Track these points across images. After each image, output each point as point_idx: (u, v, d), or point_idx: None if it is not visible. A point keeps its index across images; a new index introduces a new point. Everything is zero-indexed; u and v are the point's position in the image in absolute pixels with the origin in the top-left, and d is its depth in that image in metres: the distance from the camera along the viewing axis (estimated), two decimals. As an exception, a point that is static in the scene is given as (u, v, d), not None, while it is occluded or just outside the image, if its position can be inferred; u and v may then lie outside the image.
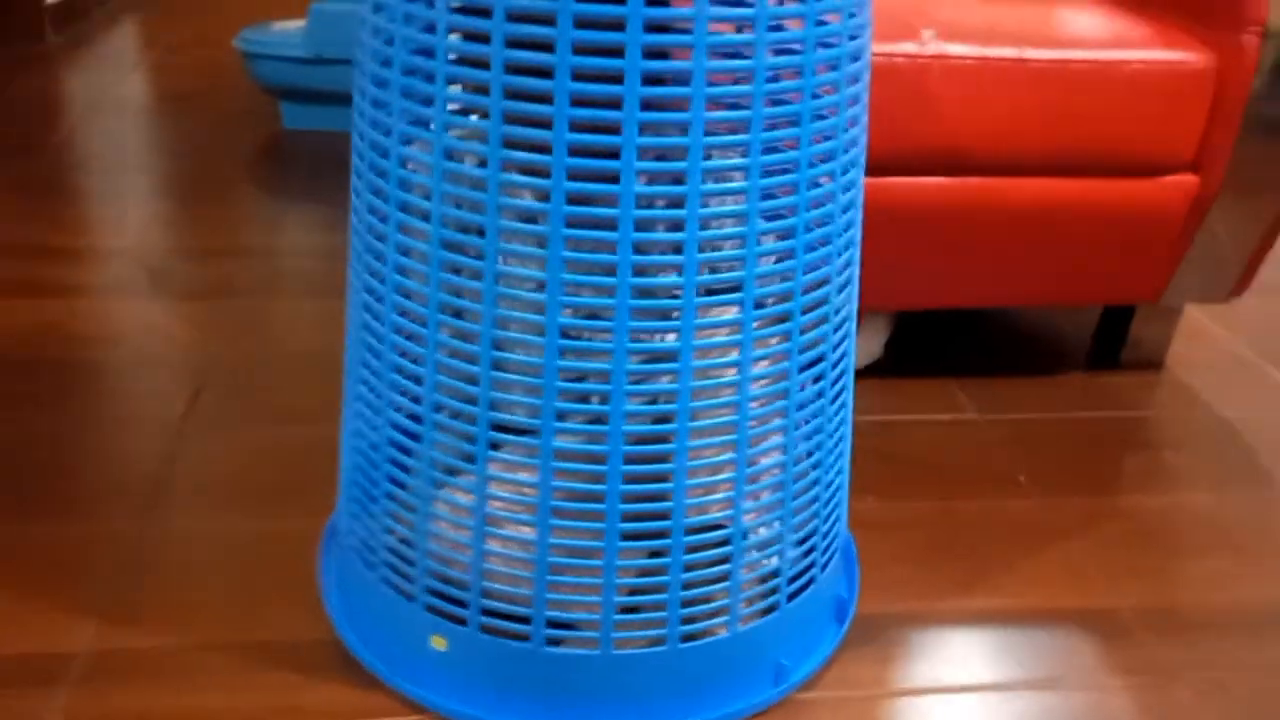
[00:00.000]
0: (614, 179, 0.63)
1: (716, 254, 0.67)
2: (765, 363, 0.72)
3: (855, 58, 0.70)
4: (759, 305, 0.71)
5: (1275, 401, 1.30)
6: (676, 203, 0.66)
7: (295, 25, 2.01)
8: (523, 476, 0.72)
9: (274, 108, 2.10)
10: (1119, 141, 1.11)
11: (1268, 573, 1.01)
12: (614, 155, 0.63)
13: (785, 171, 0.68)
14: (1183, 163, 1.14)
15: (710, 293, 0.69)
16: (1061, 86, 1.08)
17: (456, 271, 0.70)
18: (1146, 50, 1.09)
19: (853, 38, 0.69)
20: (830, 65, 0.68)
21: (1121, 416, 1.25)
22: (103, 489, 1.02)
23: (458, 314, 0.70)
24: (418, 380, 0.73)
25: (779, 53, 0.65)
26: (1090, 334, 1.40)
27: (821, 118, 0.68)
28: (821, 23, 0.66)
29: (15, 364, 1.22)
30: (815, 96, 0.67)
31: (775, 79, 0.66)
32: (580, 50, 0.60)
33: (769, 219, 0.69)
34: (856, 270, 0.79)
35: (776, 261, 0.70)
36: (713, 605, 0.77)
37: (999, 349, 1.39)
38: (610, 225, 0.64)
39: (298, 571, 0.93)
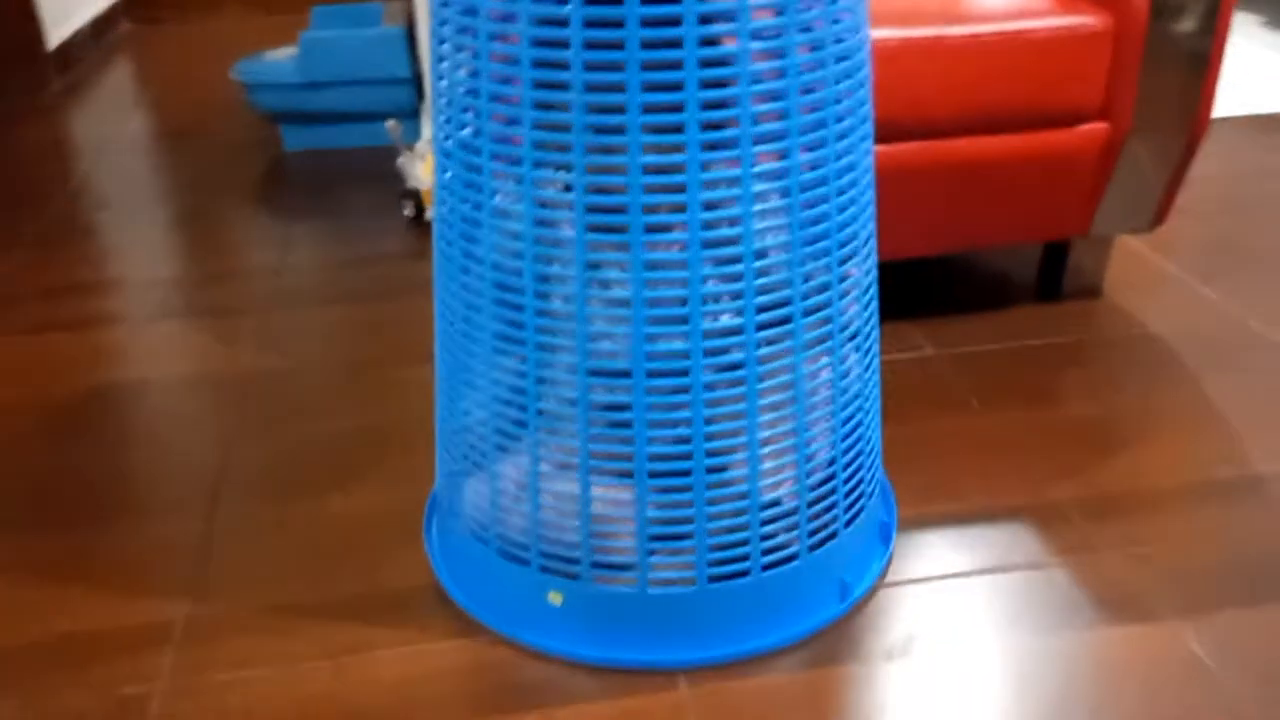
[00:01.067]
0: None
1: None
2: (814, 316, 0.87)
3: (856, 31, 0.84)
4: (808, 243, 0.84)
5: (1200, 313, 1.46)
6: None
7: (286, 53, 2.15)
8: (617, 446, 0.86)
9: (274, 133, 2.25)
10: (1033, 99, 1.26)
11: (1186, 459, 1.17)
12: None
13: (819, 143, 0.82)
14: (1092, 112, 1.30)
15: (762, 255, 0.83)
16: (977, 58, 1.23)
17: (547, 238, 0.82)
18: (1049, 19, 1.24)
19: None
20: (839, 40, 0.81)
21: (1063, 341, 1.41)
22: (166, 495, 1.18)
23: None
24: (521, 360, 0.85)
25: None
26: (1035, 271, 1.55)
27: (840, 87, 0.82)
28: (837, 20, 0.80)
29: (69, 394, 1.37)
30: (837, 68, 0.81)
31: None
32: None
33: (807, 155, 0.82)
34: (874, 233, 0.93)
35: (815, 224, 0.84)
36: (786, 536, 0.91)
37: (953, 292, 1.54)
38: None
39: (361, 539, 1.09)
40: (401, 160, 1.83)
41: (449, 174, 0.87)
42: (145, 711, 0.89)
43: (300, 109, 2.14)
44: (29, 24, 2.69)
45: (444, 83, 0.84)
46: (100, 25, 3.16)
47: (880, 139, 1.25)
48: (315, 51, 2.07)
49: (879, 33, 1.20)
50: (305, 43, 2.07)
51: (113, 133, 2.41)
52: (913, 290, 1.54)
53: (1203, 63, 1.26)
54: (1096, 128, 1.30)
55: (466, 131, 0.84)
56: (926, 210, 1.33)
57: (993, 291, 1.54)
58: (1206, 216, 1.74)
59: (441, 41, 0.84)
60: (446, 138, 0.86)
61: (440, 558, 1.03)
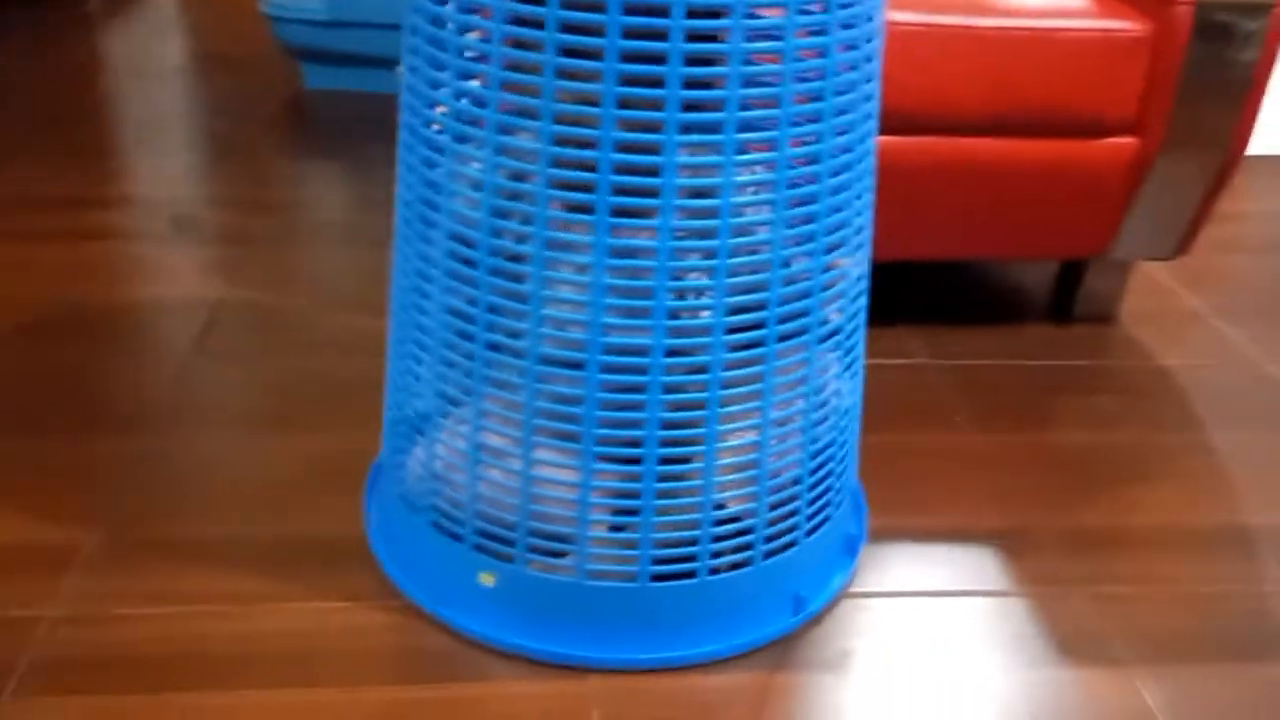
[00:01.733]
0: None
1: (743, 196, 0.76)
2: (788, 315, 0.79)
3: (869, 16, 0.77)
4: (791, 225, 0.77)
5: (1217, 352, 1.38)
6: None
7: (317, -10, 2.11)
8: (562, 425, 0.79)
9: (297, 69, 2.21)
10: (1060, 105, 1.18)
11: (1174, 503, 1.10)
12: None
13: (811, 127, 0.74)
14: (1122, 125, 1.22)
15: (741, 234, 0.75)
16: (1005, 53, 1.16)
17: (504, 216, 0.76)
18: (1085, 19, 1.16)
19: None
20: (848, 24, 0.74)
21: (1067, 365, 1.34)
22: (122, 412, 1.14)
23: (513, 257, 0.76)
24: (469, 321, 0.79)
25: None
26: (1050, 288, 1.48)
27: (841, 75, 0.75)
28: None
29: (51, 302, 1.34)
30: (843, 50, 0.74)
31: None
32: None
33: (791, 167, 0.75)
34: (870, 226, 0.86)
35: (796, 205, 0.76)
36: (737, 540, 0.84)
37: (961, 302, 1.47)
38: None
39: (317, 482, 1.04)
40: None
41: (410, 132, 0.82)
42: (30, 636, 0.85)
43: (324, 47, 2.10)
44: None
45: (415, 39, 0.79)
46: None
47: (890, 130, 1.18)
48: (344, -10, 2.03)
49: (901, 16, 1.13)
50: (335, -20, 2.03)
51: (142, 53, 2.38)
52: (915, 294, 1.47)
53: (1246, 83, 1.18)
54: (1125, 142, 1.23)
55: (439, 92, 0.77)
56: (933, 210, 1.26)
57: (1002, 305, 1.47)
58: (1244, 254, 1.66)
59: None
60: (411, 93, 0.80)
61: (376, 518, 0.98)
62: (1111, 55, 1.17)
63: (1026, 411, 1.23)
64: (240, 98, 2.13)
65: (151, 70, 2.28)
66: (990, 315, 1.44)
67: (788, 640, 0.89)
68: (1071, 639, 0.92)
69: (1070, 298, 1.42)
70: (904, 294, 1.47)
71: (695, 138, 0.71)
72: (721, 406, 0.79)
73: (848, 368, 0.89)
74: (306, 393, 1.19)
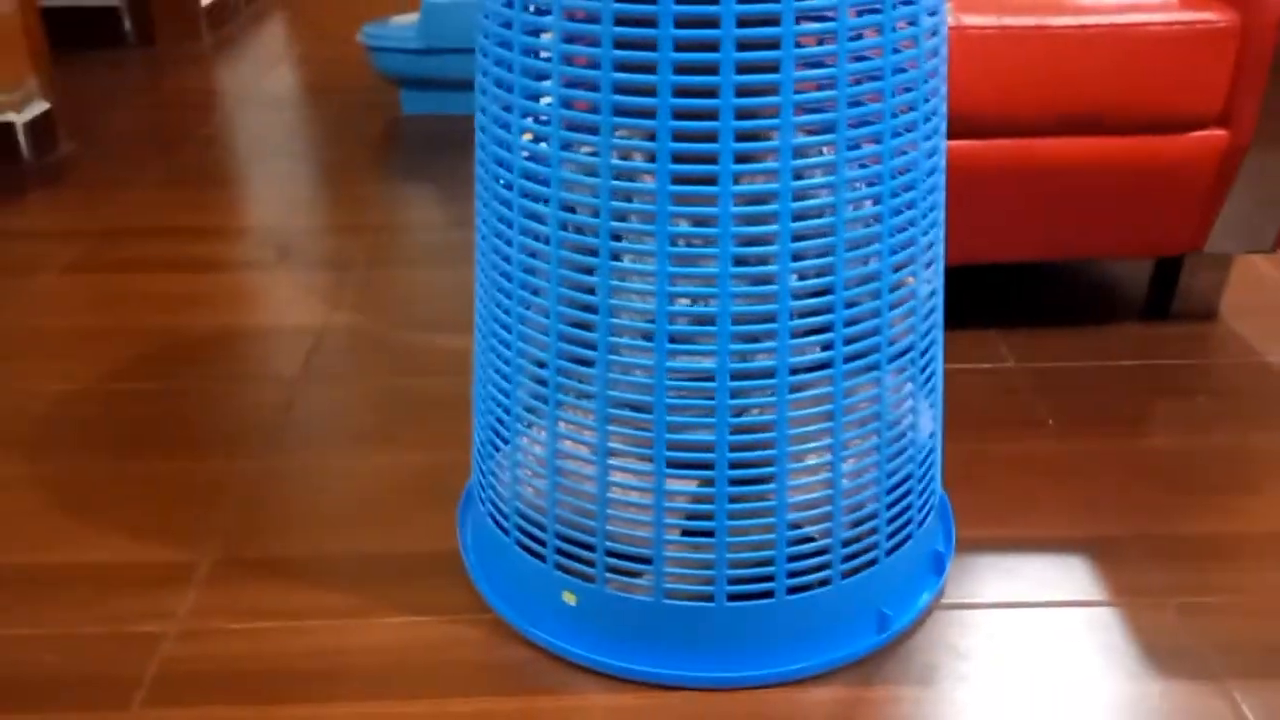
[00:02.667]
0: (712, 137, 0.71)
1: (808, 219, 0.75)
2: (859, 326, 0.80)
3: (932, 13, 0.76)
4: (852, 246, 0.77)
5: (1325, 348, 1.33)
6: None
7: (410, 19, 2.18)
8: (639, 446, 0.81)
9: (394, 95, 2.29)
10: (1143, 101, 1.16)
11: (1271, 509, 1.06)
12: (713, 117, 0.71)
13: (872, 130, 0.74)
14: (1211, 118, 1.18)
15: (801, 239, 0.75)
16: (1082, 52, 1.14)
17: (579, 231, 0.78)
18: (1165, 13, 1.13)
19: None
20: (909, 20, 0.74)
21: (1162, 364, 1.30)
22: (227, 434, 1.21)
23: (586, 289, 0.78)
24: (542, 348, 0.82)
25: (861, 13, 0.71)
26: (1145, 287, 1.44)
27: (902, 71, 0.74)
28: None
29: (167, 329, 1.42)
30: (896, 51, 0.73)
31: (858, 36, 0.71)
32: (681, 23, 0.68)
33: (853, 151, 0.75)
34: (942, 231, 0.86)
35: (865, 226, 0.77)
36: (817, 559, 0.85)
37: (1049, 302, 1.45)
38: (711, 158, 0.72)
39: (415, 498, 1.09)
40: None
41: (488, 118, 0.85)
42: (155, 651, 0.91)
43: (419, 74, 2.17)
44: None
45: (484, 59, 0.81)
46: (256, -16, 3.29)
47: (968, 135, 1.18)
48: (435, 18, 2.09)
49: (970, 19, 1.12)
50: (426, 9, 2.10)
51: (251, 86, 2.50)
52: (1001, 296, 1.45)
53: (1343, 71, 1.13)
54: (1214, 135, 1.19)
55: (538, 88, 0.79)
56: (1016, 213, 1.24)
57: (1093, 305, 1.44)
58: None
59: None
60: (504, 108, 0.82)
61: (470, 535, 1.02)
62: (1196, 48, 1.14)
63: (1118, 415, 1.21)
64: (341, 125, 2.22)
65: (259, 101, 2.39)
66: (1081, 315, 1.41)
67: (873, 657, 0.90)
68: (1165, 651, 0.90)
69: (1166, 294, 1.38)
70: (988, 296, 1.45)
71: (753, 145, 0.72)
72: (792, 428, 0.80)
73: (926, 392, 0.89)
74: (406, 412, 1.24)
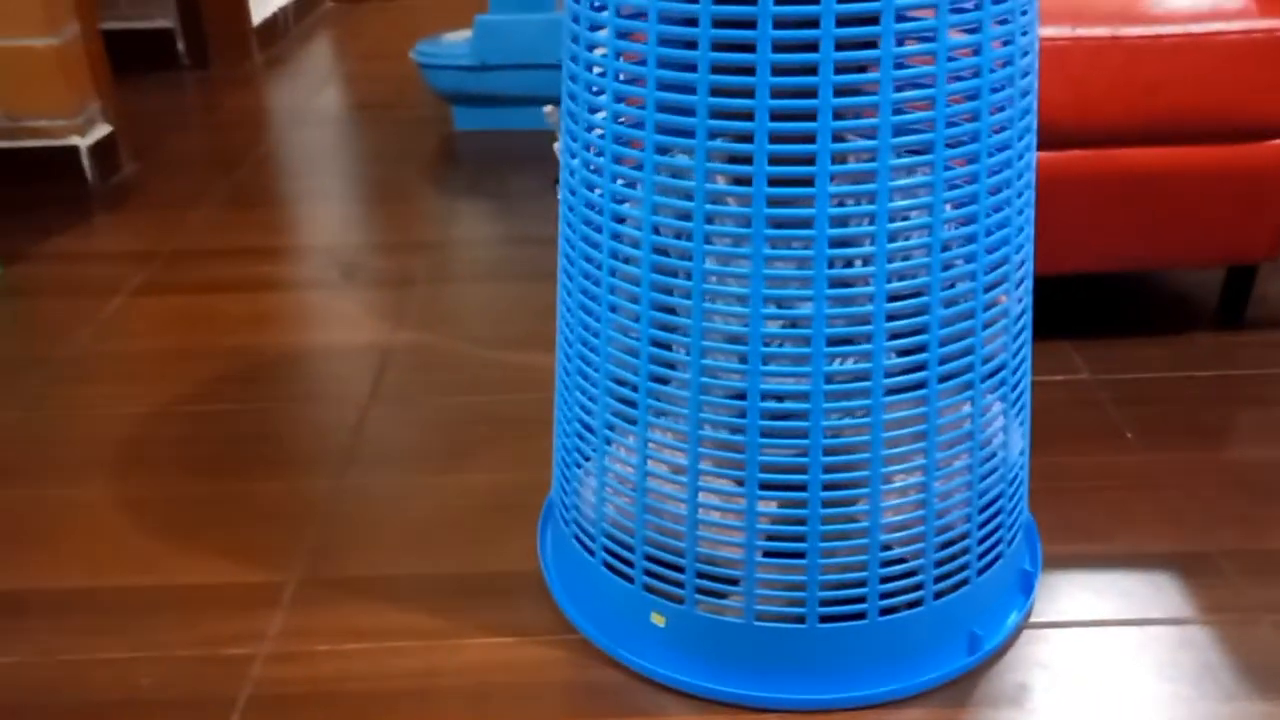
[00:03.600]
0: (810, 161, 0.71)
1: (902, 241, 0.75)
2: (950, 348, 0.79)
3: (1025, 31, 0.75)
4: (947, 266, 0.76)
5: None
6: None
7: (462, 36, 2.20)
8: (726, 471, 0.82)
9: (446, 111, 2.30)
10: (1218, 109, 1.15)
11: (1367, 520, 1.04)
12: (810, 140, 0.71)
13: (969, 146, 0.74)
14: (1289, 125, 1.17)
15: (905, 258, 0.75)
16: (1157, 61, 1.12)
17: (665, 253, 0.79)
18: (1240, 20, 1.12)
19: (1023, 12, 0.75)
20: (1005, 40, 0.74)
21: (1240, 374, 1.28)
22: (302, 454, 1.22)
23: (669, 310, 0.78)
24: (633, 370, 0.82)
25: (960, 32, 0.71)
26: (1216, 294, 1.42)
27: (998, 90, 0.74)
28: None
29: (238, 350, 1.44)
30: (992, 70, 0.73)
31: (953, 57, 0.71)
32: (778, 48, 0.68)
33: (952, 188, 0.75)
34: (1032, 249, 0.85)
35: (960, 245, 0.76)
36: (908, 580, 0.85)
37: (1122, 312, 1.43)
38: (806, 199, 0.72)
39: (493, 517, 1.10)
40: (558, 145, 1.84)
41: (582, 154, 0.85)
42: (247, 674, 0.92)
43: (472, 90, 2.18)
44: (236, 2, 2.85)
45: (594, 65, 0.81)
46: (304, 4, 3.33)
47: (1041, 145, 1.16)
48: (487, 35, 2.11)
49: (1046, 31, 1.12)
50: (479, 26, 2.11)
51: (303, 105, 2.53)
52: (1073, 307, 1.44)
53: None
54: (1293, 143, 1.18)
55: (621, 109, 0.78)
56: (1091, 223, 1.23)
57: (1166, 314, 1.42)
58: None
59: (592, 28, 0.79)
60: (591, 111, 0.81)
61: (550, 553, 1.03)
62: (1273, 56, 1.12)
63: (1199, 426, 1.19)
64: (395, 142, 2.24)
65: (312, 120, 2.41)
66: (1154, 325, 1.39)
67: (965, 678, 0.89)
68: (1261, 670, 0.89)
69: (1241, 303, 1.36)
70: (1061, 307, 1.43)
71: (851, 167, 0.72)
72: (885, 449, 0.79)
73: (1016, 410, 0.88)
74: (478, 430, 1.25)
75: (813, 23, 0.68)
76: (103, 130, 2.06)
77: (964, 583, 0.87)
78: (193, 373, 1.38)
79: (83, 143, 2.00)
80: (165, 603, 1.00)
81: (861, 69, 0.70)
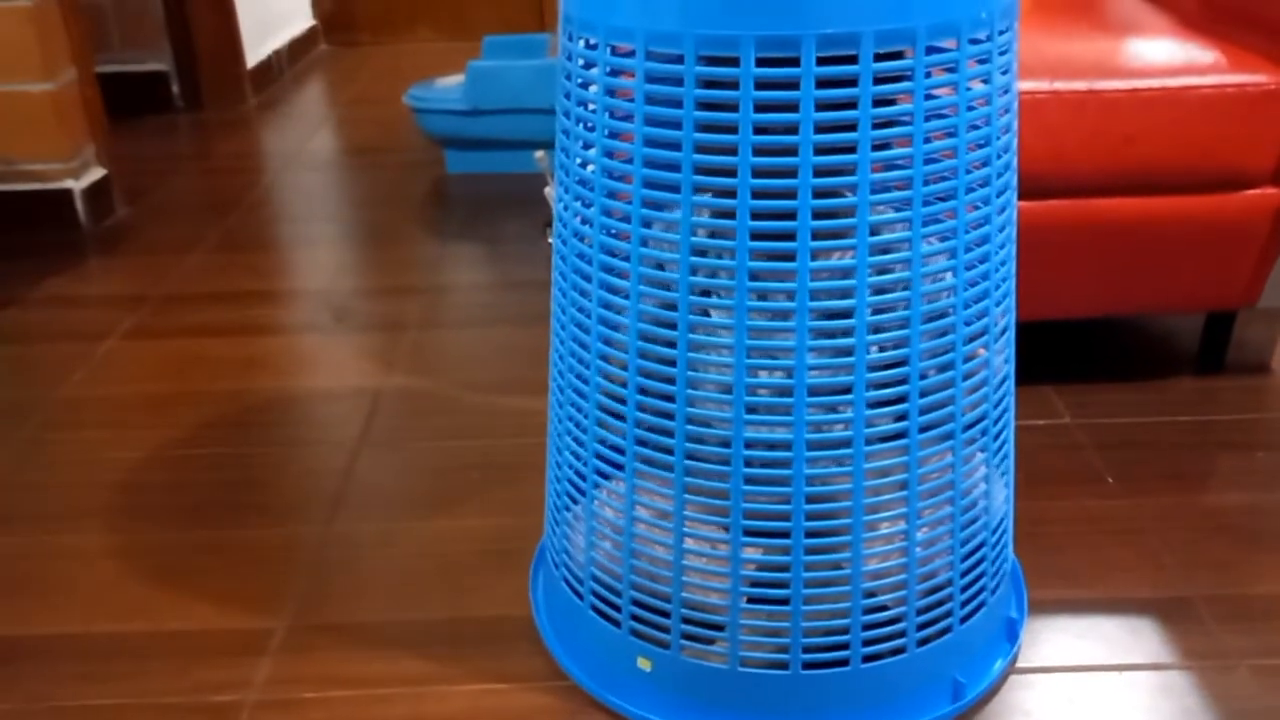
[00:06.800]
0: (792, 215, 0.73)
1: (885, 276, 0.76)
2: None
3: (1004, 71, 0.77)
4: (928, 319, 0.78)
5: (1384, 401, 1.33)
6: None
7: (455, 80, 2.23)
8: (710, 516, 0.83)
9: (439, 155, 2.33)
10: (1194, 161, 1.17)
11: (1344, 565, 1.06)
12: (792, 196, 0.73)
13: (946, 187, 0.75)
14: (1263, 176, 1.20)
15: (879, 312, 0.77)
16: (1135, 114, 1.15)
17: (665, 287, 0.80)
18: (1217, 75, 1.15)
19: (1002, 53, 0.77)
20: (983, 79, 0.75)
21: (1219, 419, 1.30)
22: (289, 501, 1.23)
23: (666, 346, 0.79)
24: (620, 418, 0.83)
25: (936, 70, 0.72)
26: (1197, 340, 1.44)
27: (976, 129, 0.76)
28: (975, 41, 0.74)
29: (226, 394, 1.45)
30: (970, 109, 0.75)
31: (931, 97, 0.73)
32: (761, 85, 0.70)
33: (930, 226, 0.76)
34: (1014, 301, 0.87)
35: (942, 298, 0.78)
36: (891, 628, 0.86)
37: (1103, 357, 1.45)
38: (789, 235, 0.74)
39: (483, 562, 1.10)
40: (549, 189, 1.86)
41: (575, 200, 0.87)
42: None
43: (464, 135, 2.21)
44: (230, 45, 2.88)
45: (581, 107, 0.83)
46: (297, 47, 3.37)
47: (1021, 195, 1.19)
48: (479, 80, 2.14)
49: (1025, 85, 1.15)
50: (471, 71, 2.15)
51: (296, 148, 2.55)
52: (1055, 351, 1.46)
53: (1394, 129, 1.14)
54: (1266, 194, 1.20)
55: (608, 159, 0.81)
56: (1070, 271, 1.25)
57: (1147, 359, 1.45)
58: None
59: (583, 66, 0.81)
60: (582, 164, 0.83)
61: (542, 598, 1.03)
62: (1247, 109, 1.16)
63: (1179, 471, 1.21)
64: (387, 186, 2.26)
65: (305, 163, 2.44)
66: (1134, 370, 1.41)
67: (948, 724, 0.90)
68: (1239, 715, 0.90)
69: (1220, 348, 1.38)
70: (1043, 350, 1.46)
71: (829, 223, 0.74)
72: (867, 497, 0.81)
73: (998, 460, 0.90)
74: (469, 475, 1.26)
75: (794, 62, 0.70)
76: (97, 174, 2.08)
77: (947, 630, 0.89)
78: (183, 417, 1.39)
79: (76, 186, 2.02)
80: (155, 650, 1.01)
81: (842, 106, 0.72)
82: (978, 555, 0.89)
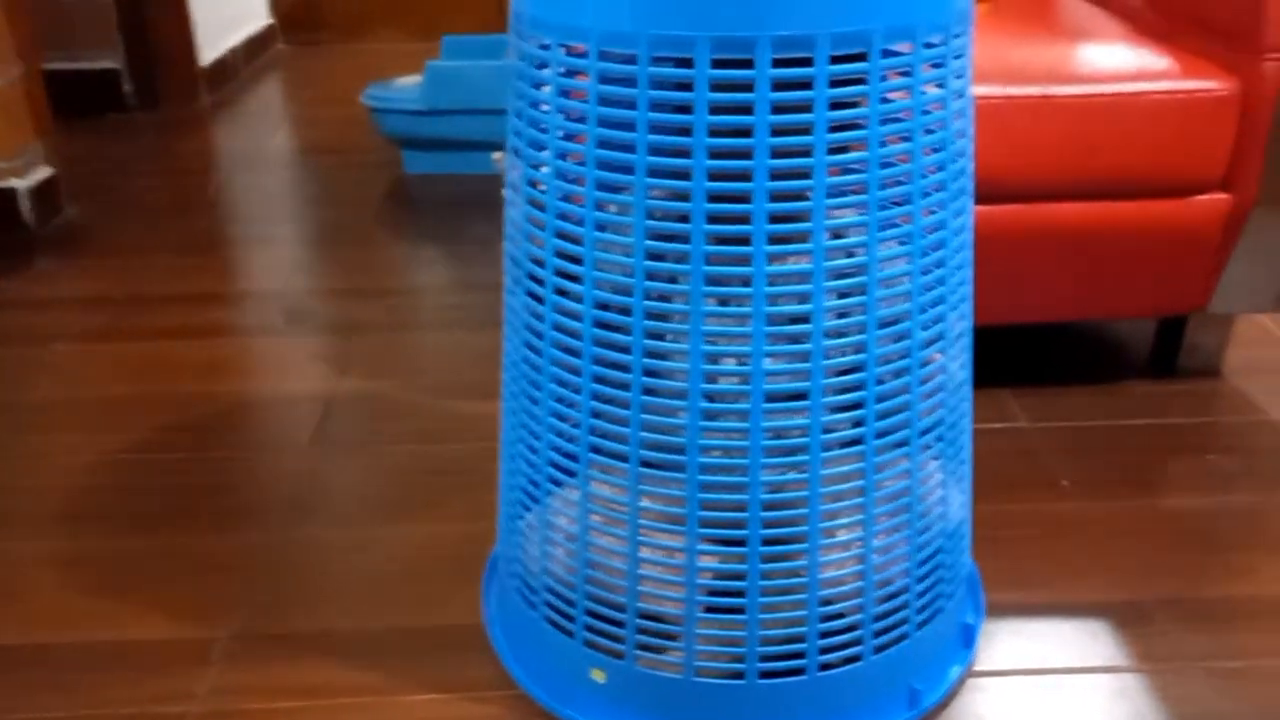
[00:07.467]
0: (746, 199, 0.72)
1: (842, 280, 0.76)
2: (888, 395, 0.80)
3: (960, 75, 0.77)
4: (884, 325, 0.78)
5: (1332, 405, 1.34)
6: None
7: (413, 80, 2.21)
8: (667, 522, 0.82)
9: (397, 155, 2.31)
10: (1147, 166, 1.18)
11: (1293, 568, 1.07)
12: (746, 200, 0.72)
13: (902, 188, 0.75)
14: (1213, 182, 1.21)
15: (841, 316, 0.77)
16: (1088, 120, 1.16)
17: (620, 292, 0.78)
18: (1168, 81, 1.16)
19: (957, 57, 0.76)
20: (938, 83, 0.75)
21: (1172, 423, 1.32)
22: (244, 506, 1.20)
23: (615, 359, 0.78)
24: (574, 424, 0.82)
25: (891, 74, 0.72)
26: (1149, 344, 1.46)
27: (931, 132, 0.76)
28: (930, 45, 0.73)
29: (183, 397, 1.42)
30: (925, 112, 0.74)
31: (887, 99, 0.73)
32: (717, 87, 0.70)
33: (886, 230, 0.76)
34: (971, 307, 0.87)
35: (893, 285, 0.77)
36: (847, 636, 0.85)
37: (1058, 361, 1.46)
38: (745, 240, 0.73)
39: (436, 570, 1.09)
40: (497, 155, 1.85)
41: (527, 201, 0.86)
42: (179, 733, 0.91)
43: (421, 135, 2.19)
44: (184, 43, 2.84)
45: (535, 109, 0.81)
46: (254, 46, 3.32)
47: (977, 200, 1.19)
48: (437, 80, 2.12)
49: (980, 89, 1.15)
50: (430, 71, 2.12)
51: (252, 148, 2.51)
52: (1011, 355, 1.47)
53: (1342, 135, 1.16)
54: (1217, 199, 1.22)
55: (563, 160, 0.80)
56: (1023, 276, 1.26)
57: (1101, 363, 1.46)
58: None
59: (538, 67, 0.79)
60: (534, 166, 0.82)
61: (495, 607, 1.02)
62: (1198, 115, 1.17)
63: (1134, 474, 1.22)
64: (344, 186, 2.24)
65: (261, 163, 2.40)
66: (1089, 374, 1.42)
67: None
68: (1194, 719, 0.90)
69: (1172, 352, 1.40)
70: (1000, 354, 1.46)
71: (784, 227, 0.73)
72: (823, 504, 0.80)
73: (955, 466, 0.90)
74: (423, 481, 1.24)
75: (748, 64, 0.69)
76: (43, 172, 2.03)
77: (903, 637, 0.88)
78: (137, 421, 1.36)
79: (21, 185, 1.98)
80: (108, 659, 0.98)
81: (803, 130, 0.72)
82: (934, 561, 0.89)
